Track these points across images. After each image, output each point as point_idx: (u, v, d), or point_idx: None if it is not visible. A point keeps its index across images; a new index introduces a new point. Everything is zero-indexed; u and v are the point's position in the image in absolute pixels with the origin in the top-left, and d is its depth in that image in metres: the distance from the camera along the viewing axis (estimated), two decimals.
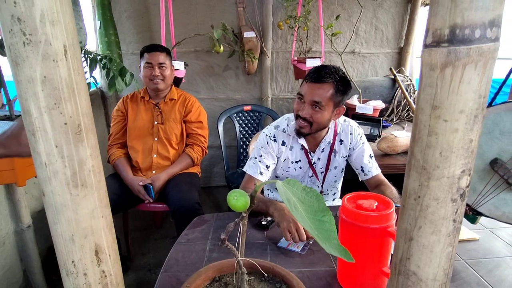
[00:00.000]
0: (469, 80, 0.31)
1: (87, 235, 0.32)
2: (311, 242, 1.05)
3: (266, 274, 0.69)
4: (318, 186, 1.47)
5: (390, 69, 2.53)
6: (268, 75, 2.76)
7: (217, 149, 2.63)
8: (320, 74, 1.22)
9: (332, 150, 1.41)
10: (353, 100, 2.31)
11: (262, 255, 1.00)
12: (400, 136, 1.76)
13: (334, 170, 1.45)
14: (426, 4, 2.16)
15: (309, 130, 1.30)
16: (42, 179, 0.30)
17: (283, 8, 2.49)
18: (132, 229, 2.23)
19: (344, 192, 1.65)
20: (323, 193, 1.49)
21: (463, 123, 0.32)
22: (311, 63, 2.39)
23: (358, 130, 1.43)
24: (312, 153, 1.42)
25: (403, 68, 2.71)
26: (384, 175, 1.73)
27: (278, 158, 1.41)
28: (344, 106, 1.32)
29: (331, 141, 1.40)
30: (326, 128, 1.37)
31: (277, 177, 1.49)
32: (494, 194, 0.72)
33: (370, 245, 0.77)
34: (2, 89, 1.31)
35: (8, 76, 1.27)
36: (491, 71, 0.31)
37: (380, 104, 2.22)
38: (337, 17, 2.44)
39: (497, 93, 0.76)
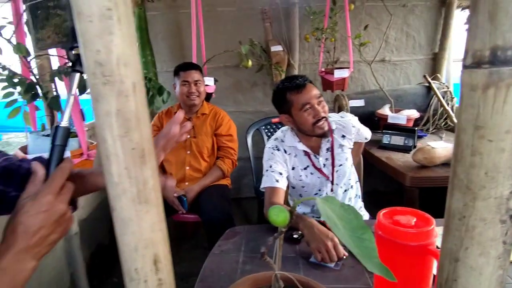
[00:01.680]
0: None
1: (147, 246, 0.35)
2: (344, 258, 1.04)
3: None
4: (329, 184, 1.49)
5: (424, 76, 2.46)
6: None
7: (246, 161, 2.67)
8: (300, 82, 1.39)
9: (333, 146, 1.46)
10: (385, 110, 2.27)
11: (295, 269, 1.00)
12: (437, 146, 1.68)
13: (346, 162, 1.49)
14: (463, 8, 2.11)
15: (328, 124, 1.40)
16: (113, 196, 0.33)
17: (309, 21, 2.52)
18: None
19: (370, 204, 1.63)
20: (333, 191, 1.51)
21: (509, 143, 0.32)
22: (339, 74, 2.39)
23: (352, 121, 1.52)
24: (317, 156, 1.46)
25: (438, 74, 2.63)
26: (421, 188, 1.69)
27: (287, 165, 1.46)
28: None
29: (330, 139, 1.46)
30: None
31: (292, 187, 1.52)
32: None
33: (410, 264, 0.76)
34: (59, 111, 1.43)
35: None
36: None
37: (414, 113, 2.17)
38: (366, 27, 2.43)
39: None
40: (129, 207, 0.33)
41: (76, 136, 1.42)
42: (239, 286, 0.70)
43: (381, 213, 0.82)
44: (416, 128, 2.02)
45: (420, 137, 2.16)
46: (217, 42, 2.59)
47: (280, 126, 2.67)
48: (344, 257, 1.03)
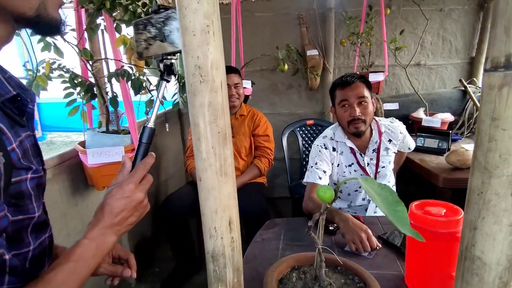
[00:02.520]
0: None
1: (225, 209, 0.46)
2: (378, 249, 1.10)
3: (339, 267, 0.78)
4: None
5: (460, 80, 2.44)
6: None
7: (281, 162, 2.75)
8: (348, 79, 1.45)
9: (379, 148, 1.52)
10: (419, 113, 2.27)
11: None
12: (471, 149, 1.70)
13: (389, 165, 1.56)
14: None
15: (365, 126, 1.46)
16: (200, 169, 0.44)
17: (345, 26, 2.57)
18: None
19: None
20: None
21: None
22: (374, 78, 2.42)
23: (399, 128, 1.57)
24: (363, 154, 1.53)
25: (475, 79, 2.58)
26: (454, 190, 1.69)
27: (332, 164, 1.54)
28: (375, 98, 1.53)
29: (378, 141, 1.52)
30: (370, 129, 1.53)
31: (334, 184, 1.58)
32: None
33: (439, 250, 0.82)
34: (112, 109, 1.59)
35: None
36: None
37: (449, 117, 2.15)
38: (402, 31, 2.45)
39: None
40: (213, 178, 0.44)
41: (129, 133, 1.57)
42: (284, 262, 0.80)
43: (413, 204, 0.89)
44: (450, 131, 2.02)
45: (454, 140, 2.14)
46: (255, 47, 2.71)
47: (314, 128, 2.74)
48: (378, 248, 1.10)
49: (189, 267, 2.11)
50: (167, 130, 2.31)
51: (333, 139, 1.55)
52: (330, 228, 1.25)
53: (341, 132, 1.54)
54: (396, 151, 1.58)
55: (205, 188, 0.45)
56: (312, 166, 1.52)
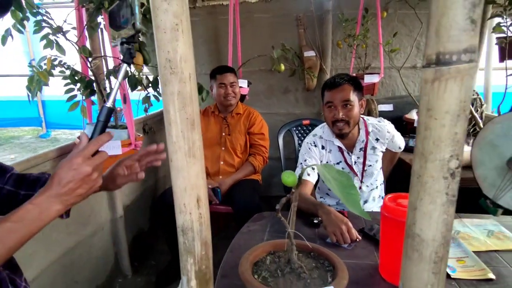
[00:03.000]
0: (451, 90, 0.43)
1: (193, 188, 0.51)
2: (357, 241, 1.15)
3: (312, 253, 0.83)
4: (358, 182, 1.60)
5: None
6: None
7: (276, 161, 2.80)
8: (336, 80, 1.48)
9: (366, 147, 1.56)
10: (412, 114, 2.31)
11: None
12: None
13: (376, 164, 1.59)
14: (493, 16, 2.10)
15: (348, 128, 1.50)
16: (171, 151, 0.50)
17: (342, 28, 2.62)
18: None
19: None
20: (360, 188, 1.62)
21: (448, 120, 0.44)
22: (369, 79, 2.47)
23: (387, 127, 1.60)
24: (350, 153, 1.58)
25: None
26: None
27: (321, 161, 1.59)
28: (364, 100, 1.54)
29: (365, 140, 1.56)
30: (358, 129, 1.56)
31: (323, 181, 1.63)
32: (510, 188, 0.76)
33: None
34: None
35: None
36: (469, 83, 0.43)
37: None
38: (395, 34, 2.49)
39: (502, 101, 0.82)
40: (182, 159, 0.50)
41: (126, 128, 1.64)
42: (261, 247, 0.85)
43: (387, 197, 0.94)
44: None
45: None
46: (253, 47, 2.76)
47: (310, 128, 2.79)
48: (358, 240, 1.15)
49: None
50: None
51: (322, 138, 1.61)
52: (315, 221, 1.30)
53: (329, 131, 1.60)
54: (384, 150, 1.62)
55: (175, 168, 0.51)
56: (301, 163, 1.58)
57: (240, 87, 2.41)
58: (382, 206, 0.94)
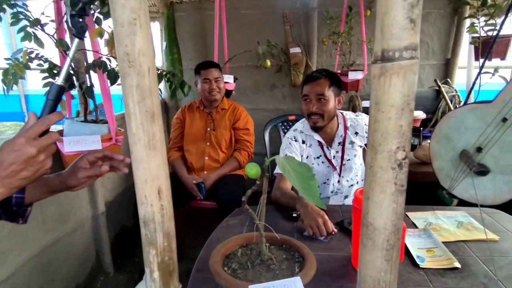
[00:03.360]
0: (395, 85, 0.46)
1: (154, 179, 0.52)
2: (333, 234, 1.18)
3: (284, 245, 0.86)
4: (337, 176, 1.62)
5: (435, 80, 2.52)
6: None
7: (263, 157, 2.82)
8: (314, 75, 1.52)
9: (344, 141, 1.59)
10: None
11: None
12: None
13: (354, 158, 1.61)
14: (467, 17, 2.15)
15: (322, 122, 1.53)
16: (131, 143, 0.51)
17: (327, 25, 2.65)
18: (185, 226, 2.51)
19: None
20: (339, 182, 1.63)
21: (394, 113, 0.46)
22: (353, 76, 2.50)
23: (366, 120, 1.62)
24: (329, 147, 1.61)
25: (449, 79, 2.67)
26: (420, 183, 1.77)
27: (301, 156, 1.61)
28: (343, 96, 1.57)
29: (343, 134, 1.59)
30: (337, 123, 1.58)
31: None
32: (462, 178, 0.80)
33: None
34: (91, 100, 1.65)
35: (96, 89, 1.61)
36: (412, 78, 0.46)
37: (421, 115, 2.24)
38: None
39: (467, 99, 0.85)
40: (142, 151, 0.51)
41: (106, 122, 1.62)
42: (233, 240, 0.87)
43: (358, 190, 0.96)
44: (421, 128, 2.10)
45: (426, 137, 2.22)
46: (240, 43, 2.76)
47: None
48: (333, 233, 1.17)
49: None
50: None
51: (302, 132, 1.63)
52: (293, 215, 1.32)
53: (309, 125, 1.62)
54: (363, 145, 1.64)
55: (136, 160, 0.52)
56: None
57: (227, 82, 2.42)
58: (353, 199, 0.96)
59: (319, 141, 1.60)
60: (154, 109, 0.51)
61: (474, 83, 0.95)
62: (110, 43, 1.71)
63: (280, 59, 2.74)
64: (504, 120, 0.74)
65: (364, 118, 1.64)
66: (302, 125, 1.66)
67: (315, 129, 1.56)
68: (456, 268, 0.96)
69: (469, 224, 1.19)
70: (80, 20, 0.75)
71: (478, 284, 0.90)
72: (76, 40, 0.77)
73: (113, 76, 1.38)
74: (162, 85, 2.88)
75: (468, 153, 0.80)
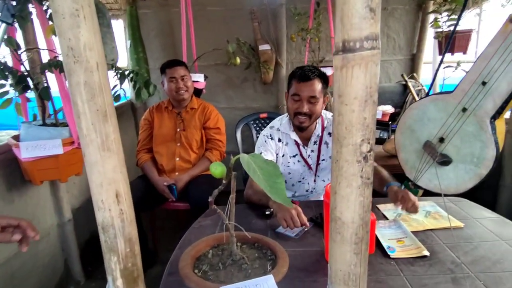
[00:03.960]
0: (358, 76, 0.45)
1: (110, 183, 0.48)
2: (305, 229, 1.18)
3: (256, 244, 0.84)
4: (312, 175, 1.62)
5: (402, 75, 2.61)
6: (284, 84, 2.92)
7: (235, 155, 2.80)
8: (307, 74, 1.44)
9: (321, 141, 1.58)
10: None
11: None
12: None
13: (329, 159, 1.60)
14: (431, 12, 2.24)
15: (309, 122, 1.49)
16: (84, 145, 0.47)
17: (295, 21, 2.65)
18: (160, 228, 2.44)
19: None
20: (315, 182, 1.63)
21: (357, 106, 0.46)
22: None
23: None
24: (305, 147, 1.59)
25: (415, 74, 2.77)
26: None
27: (277, 154, 1.59)
28: (328, 95, 1.54)
29: (320, 134, 1.57)
30: (315, 123, 1.56)
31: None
32: (426, 169, 0.83)
33: None
34: (50, 102, 1.55)
35: (54, 92, 1.52)
36: (374, 70, 0.45)
37: (389, 109, 2.30)
38: None
39: (429, 90, 0.88)
40: (95, 153, 0.47)
41: (67, 125, 1.52)
42: (203, 241, 0.84)
43: (328, 185, 0.96)
44: (389, 122, 2.16)
45: (394, 130, 2.29)
46: (208, 41, 2.71)
47: (268, 121, 2.81)
48: (305, 228, 1.17)
49: (143, 261, 2.09)
50: None
51: (279, 130, 1.59)
52: (266, 212, 1.31)
53: (287, 124, 1.59)
54: None
55: (89, 163, 0.48)
56: None
57: (197, 81, 2.37)
58: (324, 194, 0.96)
59: (295, 140, 1.58)
60: (106, 107, 0.47)
61: (435, 76, 0.98)
62: None
63: (250, 56, 2.72)
64: (464, 110, 0.76)
65: None
66: (279, 122, 1.63)
67: (300, 128, 1.53)
68: (425, 256, 0.99)
69: (436, 213, 1.23)
70: (6, 2, 0.68)
71: (445, 270, 0.92)
72: (3, 25, 0.70)
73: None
74: (127, 86, 2.78)
75: (431, 144, 0.82)
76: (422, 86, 2.57)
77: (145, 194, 2.02)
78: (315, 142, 1.59)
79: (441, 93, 0.83)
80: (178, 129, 2.18)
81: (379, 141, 2.11)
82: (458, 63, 1.66)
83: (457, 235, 1.10)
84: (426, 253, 0.99)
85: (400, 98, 2.57)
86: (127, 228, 0.52)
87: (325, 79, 1.49)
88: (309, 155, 1.60)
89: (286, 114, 1.63)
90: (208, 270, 0.74)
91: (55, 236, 1.88)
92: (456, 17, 1.75)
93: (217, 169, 0.61)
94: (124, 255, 0.52)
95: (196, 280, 0.67)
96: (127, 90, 2.71)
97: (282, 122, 1.62)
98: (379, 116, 2.24)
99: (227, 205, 0.73)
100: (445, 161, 0.81)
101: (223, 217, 0.71)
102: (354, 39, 0.44)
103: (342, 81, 0.46)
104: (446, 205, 1.32)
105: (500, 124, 0.76)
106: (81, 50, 0.43)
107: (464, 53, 1.88)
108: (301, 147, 1.59)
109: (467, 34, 1.89)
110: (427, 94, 0.85)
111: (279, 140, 1.59)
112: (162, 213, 2.33)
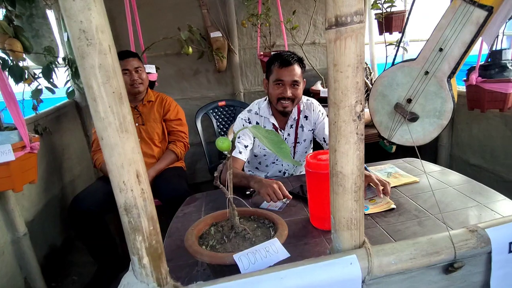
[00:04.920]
0: (350, 46, 0.52)
1: (131, 163, 0.50)
2: (287, 202, 1.26)
3: (252, 216, 0.89)
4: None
5: None
6: (238, 71, 2.96)
7: (198, 146, 2.79)
8: (288, 59, 1.49)
9: (298, 125, 1.64)
10: (317, 86, 2.54)
11: None
12: (365, 110, 1.99)
13: (304, 143, 1.69)
14: None
15: (292, 106, 1.55)
16: (101, 128, 0.47)
17: (245, 7, 2.69)
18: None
19: None
20: (289, 164, 1.70)
21: (351, 72, 0.53)
22: None
23: (319, 107, 1.68)
24: (282, 130, 1.65)
25: None
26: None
27: (254, 137, 1.62)
28: (305, 80, 1.60)
29: (296, 118, 1.64)
30: None
31: (255, 155, 1.70)
32: (398, 127, 0.97)
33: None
34: None
35: None
36: (362, 40, 0.53)
37: None
38: (294, 12, 2.67)
39: (393, 61, 1.02)
40: (114, 135, 0.48)
41: (15, 129, 1.40)
42: (202, 221, 0.87)
43: (308, 155, 1.04)
44: None
45: None
46: (156, 30, 2.61)
47: (227, 109, 2.84)
48: (287, 201, 1.25)
49: (113, 266, 1.99)
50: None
51: (257, 114, 1.63)
52: (247, 192, 1.37)
53: (266, 108, 1.62)
54: (312, 129, 1.68)
55: (108, 146, 0.49)
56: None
57: (148, 73, 2.30)
58: (305, 164, 1.04)
59: (273, 124, 1.62)
60: (120, 89, 0.48)
61: (395, 55, 1.12)
62: (2, 35, 1.45)
63: (201, 44, 2.70)
64: (426, 73, 0.89)
65: (314, 103, 1.68)
66: (257, 106, 1.65)
67: (284, 113, 1.57)
68: (393, 209, 1.13)
69: (396, 173, 1.40)
70: None
71: (411, 216, 1.08)
72: None
73: (18, 73, 1.18)
74: (67, 78, 2.58)
75: (401, 105, 0.94)
76: (367, 65, 2.79)
77: (108, 195, 1.94)
78: (291, 126, 1.65)
79: (406, 61, 0.96)
80: (137, 124, 2.12)
81: None
82: (397, 42, 1.84)
83: (415, 188, 1.28)
84: (394, 206, 1.14)
85: None
86: (149, 207, 0.54)
87: (302, 63, 1.55)
88: (285, 138, 1.66)
89: (265, 98, 1.66)
90: (215, 244, 0.78)
91: (10, 254, 1.69)
92: None
93: (224, 143, 0.65)
94: (149, 233, 0.54)
95: (208, 253, 0.71)
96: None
97: (260, 106, 1.64)
98: None
99: (226, 180, 0.77)
100: (413, 117, 0.94)
101: (224, 191, 0.75)
102: (346, 14, 0.50)
103: (336, 52, 0.53)
104: (402, 165, 1.50)
105: (453, 82, 0.91)
106: (93, 32, 0.44)
107: (400, 32, 2.08)
108: (278, 130, 1.64)
109: (401, 14, 2.09)
110: (392, 63, 0.98)
111: (257, 124, 1.62)
112: None
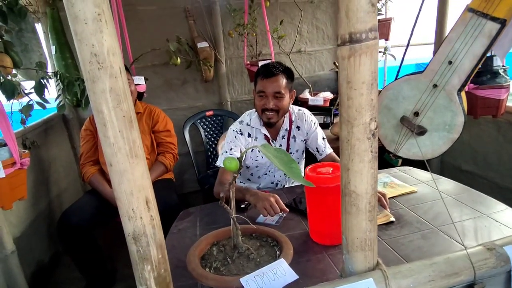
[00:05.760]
0: (364, 63, 0.51)
1: (140, 190, 0.47)
2: (284, 216, 1.24)
3: (254, 234, 0.87)
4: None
5: (334, 63, 2.84)
6: (225, 80, 2.94)
7: (186, 156, 2.74)
8: (271, 70, 1.48)
9: (289, 136, 1.64)
10: (305, 94, 2.56)
11: None
12: None
13: (296, 153, 1.68)
14: None
15: (277, 118, 1.53)
16: (110, 154, 0.45)
17: (231, 17, 2.69)
18: (115, 245, 2.28)
19: None
20: (281, 175, 1.70)
21: (365, 89, 0.52)
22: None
23: (311, 117, 1.68)
24: (274, 141, 1.64)
25: None
26: (339, 156, 1.99)
27: (247, 149, 1.60)
28: (295, 90, 1.58)
29: (288, 128, 1.63)
30: (283, 118, 1.60)
31: (247, 167, 1.67)
32: (405, 141, 0.97)
33: (331, 202, 0.98)
34: None
35: None
36: (376, 56, 0.52)
37: (329, 95, 2.50)
38: (281, 21, 2.69)
39: (398, 73, 1.03)
40: (124, 161, 0.46)
41: (5, 145, 1.36)
42: (203, 241, 0.84)
43: (307, 168, 1.03)
44: (332, 107, 2.35)
45: (336, 114, 2.50)
46: (143, 42, 2.58)
47: (214, 118, 2.81)
48: (284, 214, 1.23)
49: (102, 281, 1.96)
50: None
51: (249, 125, 1.61)
52: (242, 206, 1.34)
53: (257, 118, 1.60)
54: (304, 139, 1.66)
55: (117, 173, 0.46)
56: (226, 151, 1.55)
57: (138, 84, 2.25)
58: (304, 177, 1.03)
59: (265, 135, 1.60)
60: (130, 113, 0.46)
61: (402, 62, 1.12)
62: None
63: (189, 54, 2.68)
64: (435, 86, 0.90)
65: (305, 113, 1.66)
66: (249, 117, 1.63)
67: (269, 124, 1.55)
68: (393, 222, 1.12)
69: (392, 183, 1.40)
70: None
71: (414, 229, 1.07)
72: None
73: (10, 90, 1.14)
74: (58, 92, 2.51)
75: (408, 119, 0.95)
76: None
77: (97, 210, 1.88)
78: (283, 137, 1.64)
79: (412, 73, 0.96)
80: None
81: (325, 126, 2.28)
82: (385, 49, 1.88)
83: (414, 198, 1.28)
84: (393, 219, 1.13)
85: (336, 84, 2.79)
86: (158, 234, 0.51)
87: (289, 74, 1.53)
88: None
89: (254, 110, 1.64)
90: (219, 266, 0.75)
91: None
92: (380, 7, 1.98)
93: (232, 164, 0.62)
94: (157, 262, 0.51)
95: (213, 277, 0.68)
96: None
97: (251, 117, 1.62)
98: (321, 103, 2.42)
99: (229, 198, 0.75)
100: (422, 131, 0.94)
101: (229, 211, 0.73)
102: (360, 31, 0.50)
103: (350, 69, 0.52)
104: (398, 174, 1.51)
105: (463, 95, 0.93)
106: (105, 55, 0.42)
107: (386, 39, 2.13)
108: (270, 141, 1.63)
109: (387, 22, 2.14)
110: (397, 75, 0.97)
111: (249, 135, 1.61)
112: (116, 228, 2.19)
